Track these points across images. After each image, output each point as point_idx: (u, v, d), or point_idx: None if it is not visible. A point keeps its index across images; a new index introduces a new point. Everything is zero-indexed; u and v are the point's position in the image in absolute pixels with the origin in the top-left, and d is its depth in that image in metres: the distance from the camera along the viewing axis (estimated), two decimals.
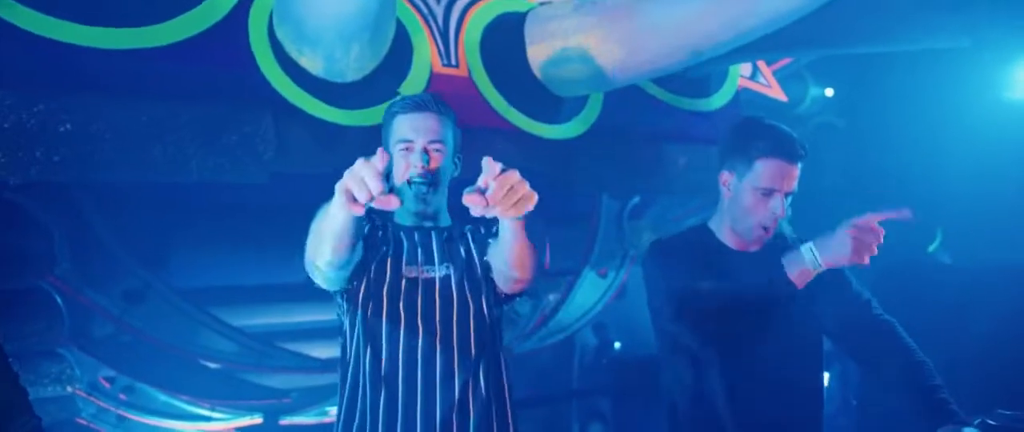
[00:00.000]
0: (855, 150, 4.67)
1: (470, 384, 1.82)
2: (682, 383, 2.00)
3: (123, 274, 2.74)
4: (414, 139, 1.86)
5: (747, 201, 1.95)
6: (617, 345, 4.13)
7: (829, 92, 4.59)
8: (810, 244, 1.77)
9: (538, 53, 2.92)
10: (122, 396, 2.83)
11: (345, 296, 1.88)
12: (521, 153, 3.00)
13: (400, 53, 2.71)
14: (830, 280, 2.02)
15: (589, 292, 3.72)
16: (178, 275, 2.87)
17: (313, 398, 3.12)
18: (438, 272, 1.87)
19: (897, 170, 4.31)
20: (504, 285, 1.86)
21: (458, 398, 1.79)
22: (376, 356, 1.81)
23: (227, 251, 2.91)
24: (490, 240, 1.89)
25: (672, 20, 2.55)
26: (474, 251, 1.93)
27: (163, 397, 2.88)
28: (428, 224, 1.95)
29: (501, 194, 1.34)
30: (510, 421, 1.90)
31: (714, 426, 1.95)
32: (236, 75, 2.46)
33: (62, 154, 2.26)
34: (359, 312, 1.84)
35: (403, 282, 1.85)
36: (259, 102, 2.50)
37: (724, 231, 2.04)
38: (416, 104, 1.90)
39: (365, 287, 1.85)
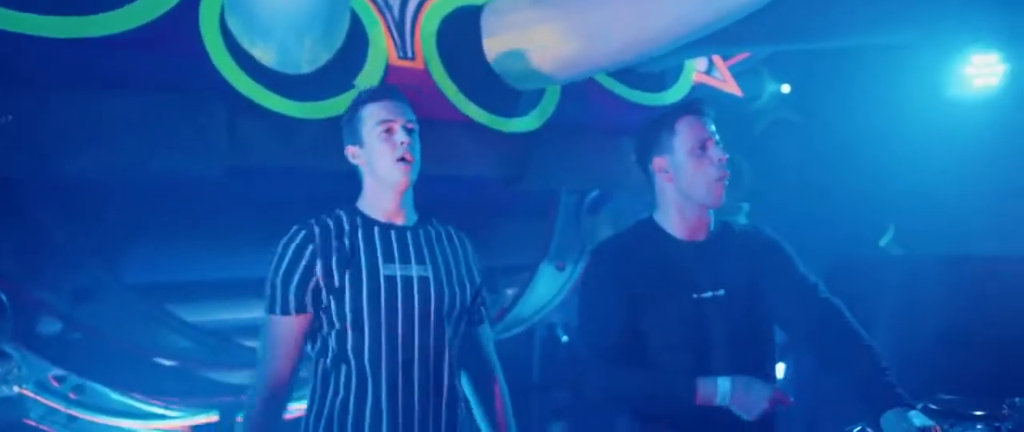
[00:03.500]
0: (811, 145, 4.75)
1: (449, 389, 1.95)
2: (622, 394, 2.01)
3: (72, 270, 2.64)
4: (394, 118, 1.91)
5: (690, 165, 1.97)
6: (564, 339, 4.14)
7: (785, 88, 4.66)
8: (728, 387, 1.84)
9: (495, 46, 2.93)
10: (72, 395, 2.73)
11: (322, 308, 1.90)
12: (478, 147, 3.00)
13: (355, 45, 2.70)
14: (776, 264, 2.07)
15: (547, 286, 3.72)
16: (131, 271, 2.77)
17: None
18: (416, 271, 1.92)
19: (850, 165, 4.40)
20: None
21: (445, 398, 1.94)
22: (359, 359, 1.86)
23: (181, 246, 2.84)
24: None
25: (629, 14, 2.57)
26: (457, 255, 2.03)
27: (116, 396, 2.79)
28: (400, 221, 1.97)
29: None
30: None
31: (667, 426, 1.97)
32: (188, 66, 2.42)
33: (3, 146, 2.20)
34: (337, 313, 1.87)
35: (382, 279, 1.88)
36: (212, 94, 2.46)
37: (672, 220, 2.04)
38: (388, 91, 1.99)
39: (338, 293, 1.87)
